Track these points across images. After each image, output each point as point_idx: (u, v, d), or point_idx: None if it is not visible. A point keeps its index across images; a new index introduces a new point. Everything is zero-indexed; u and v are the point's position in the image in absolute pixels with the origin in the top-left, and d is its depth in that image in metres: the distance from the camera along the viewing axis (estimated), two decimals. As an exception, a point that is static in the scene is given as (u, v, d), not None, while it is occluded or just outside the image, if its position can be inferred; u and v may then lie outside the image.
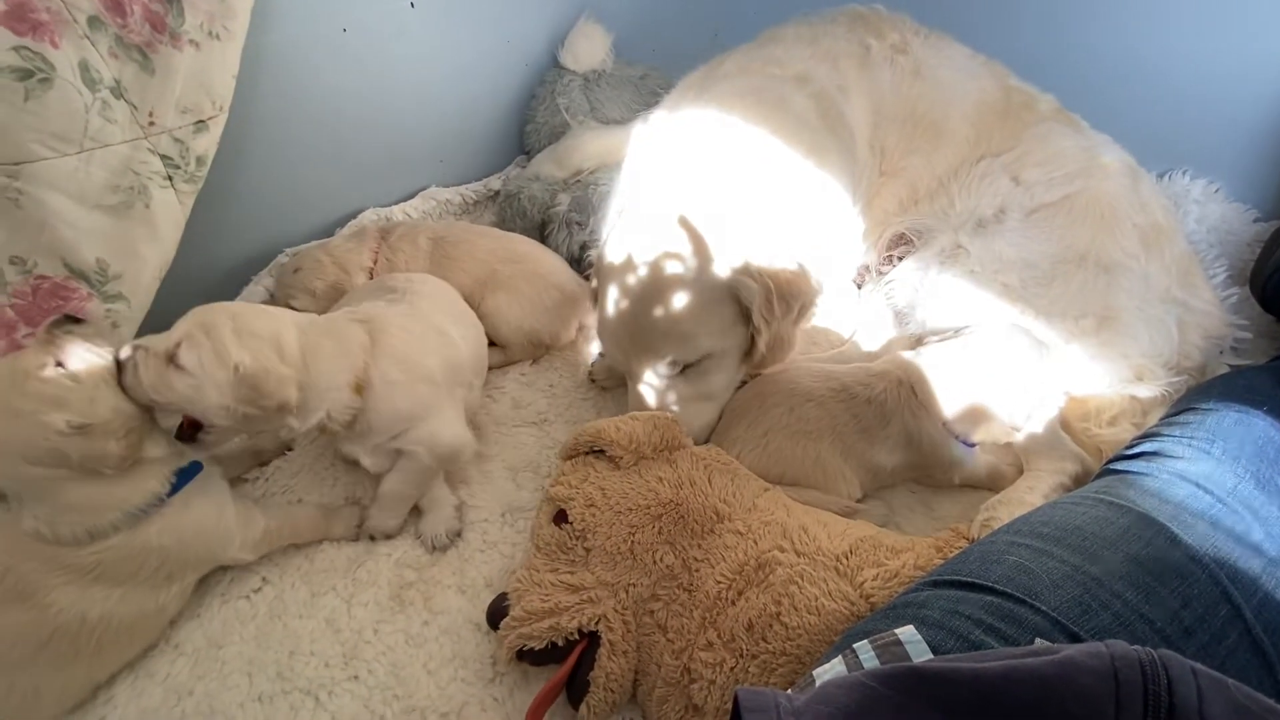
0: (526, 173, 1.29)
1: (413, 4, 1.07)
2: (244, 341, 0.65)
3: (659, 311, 0.78)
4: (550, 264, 1.09)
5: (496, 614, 0.68)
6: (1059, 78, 1.05)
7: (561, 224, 1.17)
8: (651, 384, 0.83)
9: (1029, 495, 0.79)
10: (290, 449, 0.92)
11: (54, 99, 0.70)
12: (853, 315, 1.08)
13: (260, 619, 0.75)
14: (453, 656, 0.71)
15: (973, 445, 0.84)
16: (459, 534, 0.82)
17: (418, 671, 0.70)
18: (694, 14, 1.52)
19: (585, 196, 1.17)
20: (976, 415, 0.82)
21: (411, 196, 1.25)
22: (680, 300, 0.77)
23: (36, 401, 0.58)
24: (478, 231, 1.12)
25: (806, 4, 1.06)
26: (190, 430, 0.69)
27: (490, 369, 1.05)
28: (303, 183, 1.09)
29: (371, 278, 1.02)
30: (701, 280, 0.77)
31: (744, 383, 0.90)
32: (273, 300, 1.05)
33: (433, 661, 0.71)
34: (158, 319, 0.82)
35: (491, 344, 1.05)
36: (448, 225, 1.15)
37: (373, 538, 0.81)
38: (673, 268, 0.77)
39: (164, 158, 0.81)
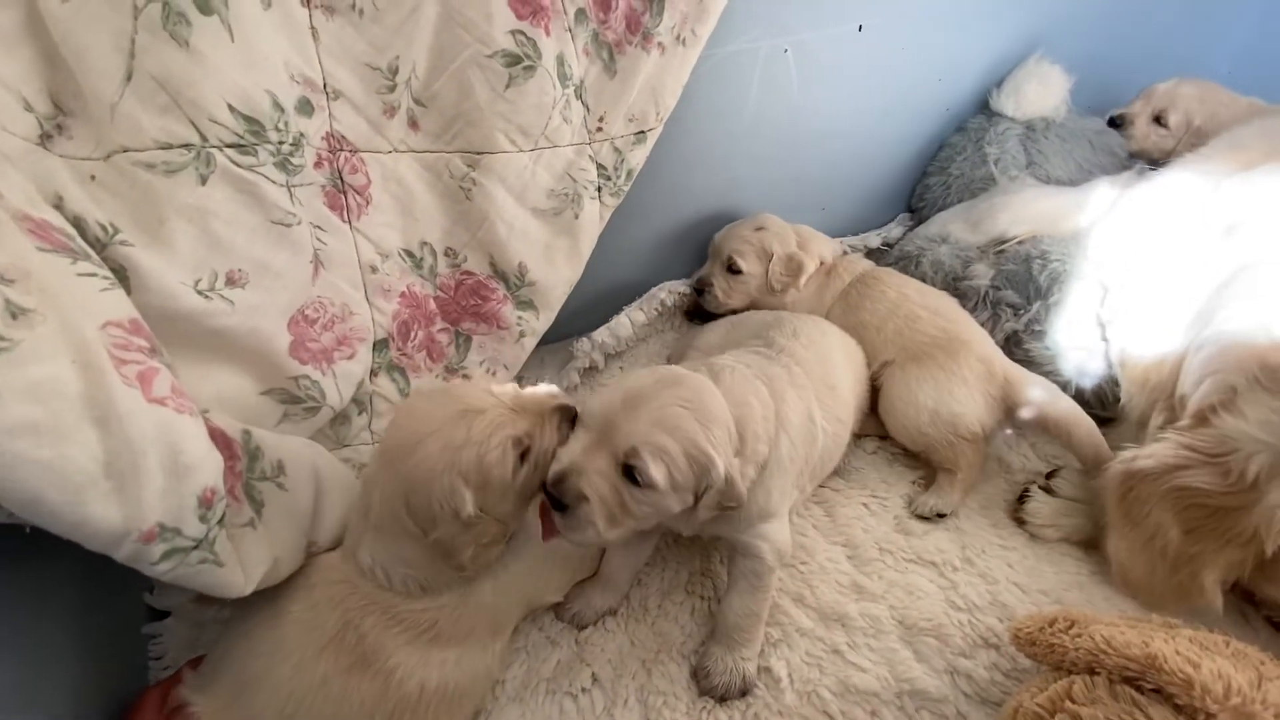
0: (928, 231, 1.05)
1: (861, 27, 0.92)
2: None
3: None
4: (979, 335, 0.83)
5: None
6: None
7: (981, 302, 0.91)
8: None
9: None
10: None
11: (531, 90, 0.65)
12: None
13: (586, 735, 0.59)
14: None
15: None
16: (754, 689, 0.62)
17: None
18: (1163, 61, 1.18)
19: (1023, 273, 0.89)
20: None
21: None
22: None
23: (496, 450, 0.51)
24: (901, 278, 0.93)
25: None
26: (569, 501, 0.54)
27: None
28: (694, 213, 0.98)
29: (828, 274, 0.94)
30: None
31: None
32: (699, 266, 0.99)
33: None
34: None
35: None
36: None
37: (724, 697, 0.60)
38: None
39: (599, 167, 0.74)
